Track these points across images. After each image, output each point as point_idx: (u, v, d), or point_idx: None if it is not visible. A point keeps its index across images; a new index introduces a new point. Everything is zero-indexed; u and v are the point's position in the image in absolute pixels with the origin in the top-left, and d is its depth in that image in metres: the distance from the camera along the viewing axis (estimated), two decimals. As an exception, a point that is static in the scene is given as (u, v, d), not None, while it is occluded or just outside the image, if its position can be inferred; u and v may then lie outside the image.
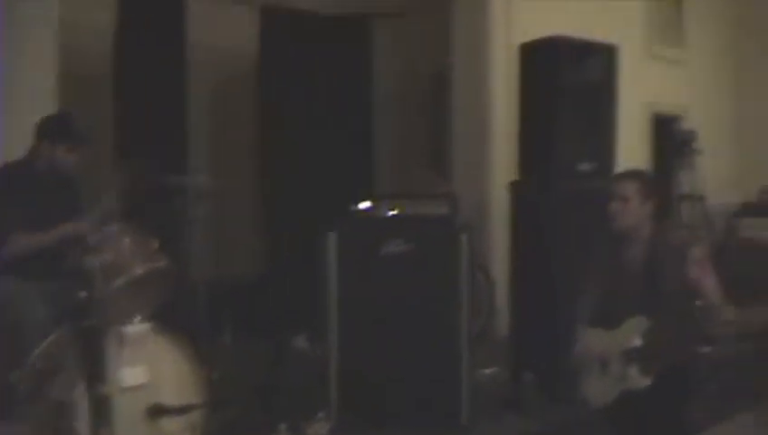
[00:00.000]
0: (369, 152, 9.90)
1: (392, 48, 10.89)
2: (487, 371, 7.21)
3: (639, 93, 10.94)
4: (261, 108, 9.11)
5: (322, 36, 9.36)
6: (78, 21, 7.71)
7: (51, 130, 5.41)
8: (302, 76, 9.11)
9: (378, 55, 9.96)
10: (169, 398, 4.96)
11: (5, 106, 6.28)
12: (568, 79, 6.87)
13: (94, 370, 2.08)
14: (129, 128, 7.91)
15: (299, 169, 8.99)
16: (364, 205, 5.94)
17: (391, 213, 5.98)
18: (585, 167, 6.95)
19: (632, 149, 10.26)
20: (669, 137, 11.02)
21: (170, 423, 4.95)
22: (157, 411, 4.90)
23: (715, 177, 10.90)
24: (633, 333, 4.86)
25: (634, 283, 5.02)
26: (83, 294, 3.98)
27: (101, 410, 2.25)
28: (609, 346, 4.97)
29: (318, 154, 9.10)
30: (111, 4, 7.98)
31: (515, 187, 7.16)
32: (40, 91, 6.62)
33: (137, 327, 4.92)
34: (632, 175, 5.14)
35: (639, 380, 4.80)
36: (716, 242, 10.78)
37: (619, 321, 4.96)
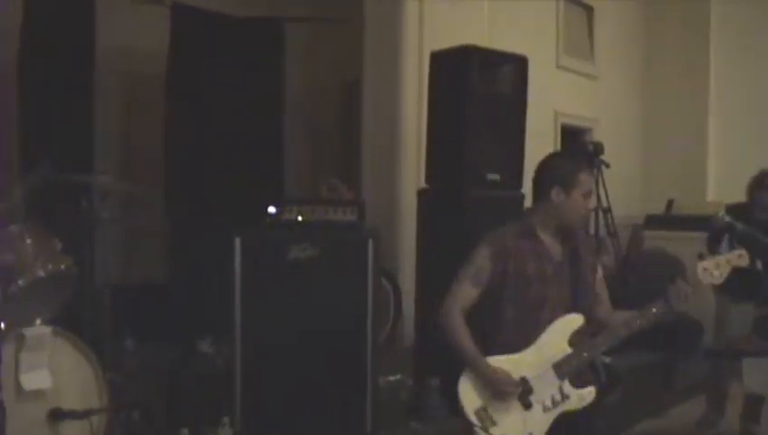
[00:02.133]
0: (279, 157, 9.85)
1: (304, 53, 10.87)
2: (392, 377, 7.22)
3: (549, 104, 11.06)
4: (169, 109, 9.01)
5: (233, 38, 9.31)
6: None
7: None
8: (212, 78, 9.03)
9: (289, 60, 9.92)
10: (70, 402, 4.89)
11: None
12: (478, 88, 6.91)
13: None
14: (35, 126, 7.79)
15: (207, 171, 8.92)
16: (271, 209, 5.90)
17: (299, 218, 5.95)
18: (493, 176, 7.00)
19: (541, 159, 10.36)
20: (577, 148, 11.15)
21: (71, 427, 4.89)
22: (57, 416, 4.83)
23: (621, 189, 11.06)
24: (561, 340, 4.35)
25: (558, 279, 4.47)
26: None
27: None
28: (530, 368, 4.32)
29: (227, 157, 9.04)
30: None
31: (424, 194, 7.19)
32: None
33: (37, 330, 4.84)
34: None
35: (576, 396, 4.33)
36: (621, 253, 10.93)
37: (535, 333, 4.36)
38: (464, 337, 4.36)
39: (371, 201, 7.23)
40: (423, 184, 7.27)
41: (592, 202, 4.57)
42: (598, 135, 11.74)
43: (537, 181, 4.65)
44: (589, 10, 12.42)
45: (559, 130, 11.66)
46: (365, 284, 5.94)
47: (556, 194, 4.46)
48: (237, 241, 5.75)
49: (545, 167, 4.69)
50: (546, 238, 4.50)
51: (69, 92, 7.94)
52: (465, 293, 4.47)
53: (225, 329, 5.91)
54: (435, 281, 6.85)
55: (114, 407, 5.27)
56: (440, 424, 6.35)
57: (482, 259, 4.48)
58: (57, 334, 4.92)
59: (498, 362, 4.30)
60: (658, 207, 12.35)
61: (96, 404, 5.02)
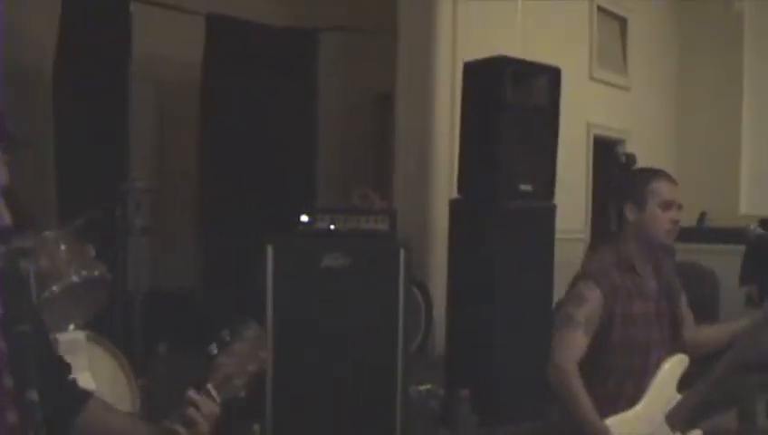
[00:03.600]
0: (312, 166, 9.88)
1: (338, 65, 10.89)
2: (422, 387, 7.22)
3: (581, 116, 11.04)
4: (203, 118, 9.07)
5: (267, 48, 9.35)
6: (15, 25, 7.62)
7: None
8: (246, 87, 9.07)
9: (324, 72, 9.95)
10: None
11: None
12: (511, 99, 6.90)
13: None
14: (71, 135, 7.85)
15: (240, 180, 8.95)
16: (304, 218, 5.92)
17: (331, 227, 5.96)
18: (526, 187, 6.99)
19: (573, 171, 10.34)
20: (610, 160, 11.12)
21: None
22: (89, 420, 4.85)
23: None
24: (671, 387, 3.88)
25: (659, 318, 4.04)
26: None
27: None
28: (646, 426, 3.77)
29: (260, 166, 9.07)
30: (54, 9, 7.92)
31: (456, 205, 7.19)
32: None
33: (71, 335, 4.87)
34: None
35: None
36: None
37: (643, 381, 3.86)
38: (585, 405, 3.70)
39: (404, 211, 7.24)
40: (455, 194, 7.27)
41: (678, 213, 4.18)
42: (630, 147, 11.69)
43: (612, 205, 4.27)
44: (622, 21, 12.39)
45: (591, 142, 11.63)
46: (396, 293, 5.93)
47: (629, 211, 4.04)
48: (269, 249, 5.76)
49: (614, 186, 4.30)
50: (644, 272, 4.05)
51: (104, 101, 8.00)
52: (578, 343, 3.82)
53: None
54: (466, 291, 6.89)
55: (146, 412, 5.30)
56: None
57: (594, 303, 3.86)
58: (90, 340, 4.96)
59: (615, 425, 3.67)
60: (691, 220, 12.29)
61: (128, 409, 5.04)
